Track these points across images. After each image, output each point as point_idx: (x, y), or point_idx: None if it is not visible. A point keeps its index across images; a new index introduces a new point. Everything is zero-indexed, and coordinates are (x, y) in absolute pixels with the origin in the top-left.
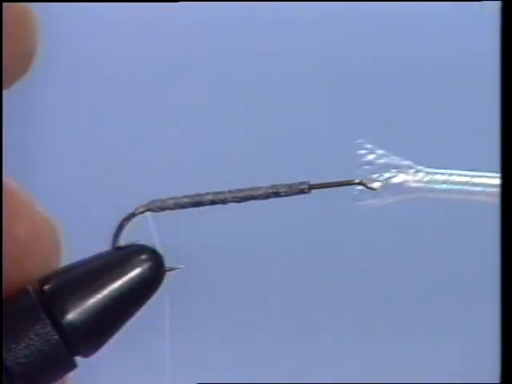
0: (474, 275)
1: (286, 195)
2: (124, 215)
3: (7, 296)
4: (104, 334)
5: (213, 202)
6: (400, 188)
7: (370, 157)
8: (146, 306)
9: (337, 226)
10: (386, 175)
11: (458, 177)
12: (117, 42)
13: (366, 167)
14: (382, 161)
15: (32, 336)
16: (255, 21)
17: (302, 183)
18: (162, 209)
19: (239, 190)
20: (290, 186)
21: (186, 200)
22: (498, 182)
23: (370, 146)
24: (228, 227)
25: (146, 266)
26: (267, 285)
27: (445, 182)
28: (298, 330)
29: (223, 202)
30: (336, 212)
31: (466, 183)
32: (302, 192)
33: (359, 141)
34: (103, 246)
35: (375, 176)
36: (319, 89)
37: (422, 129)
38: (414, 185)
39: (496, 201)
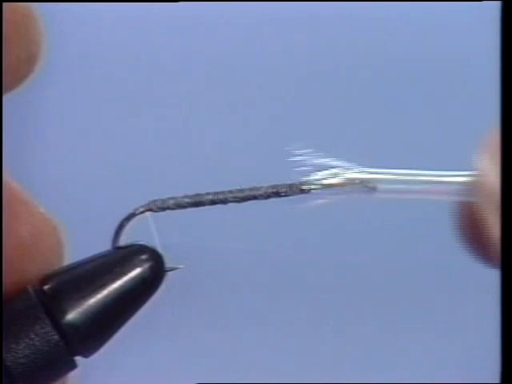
0: (475, 274)
1: (286, 195)
2: (124, 215)
3: (7, 296)
4: (104, 334)
5: (213, 202)
6: (340, 189)
7: (310, 159)
8: (145, 306)
9: (337, 226)
10: (327, 176)
11: (401, 176)
12: (116, 43)
13: (305, 169)
14: (321, 162)
15: (32, 336)
16: (254, 21)
17: (302, 183)
18: (162, 209)
19: (239, 190)
20: (290, 185)
21: (186, 200)
22: (443, 179)
23: (310, 149)
24: (228, 227)
25: (146, 265)
26: (267, 285)
27: (387, 181)
28: (299, 329)
29: (223, 201)
30: (336, 212)
31: (408, 182)
32: (302, 192)
33: (299, 143)
34: (103, 246)
35: (316, 177)
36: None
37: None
38: (355, 185)
39: (441, 198)
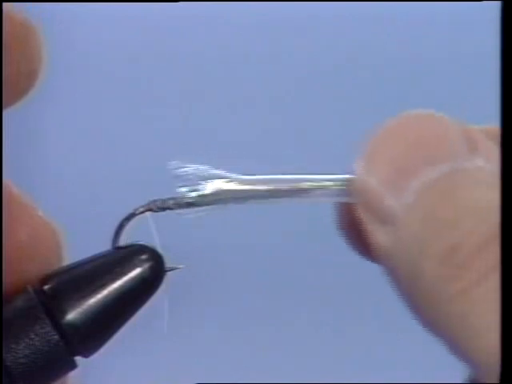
0: None
1: (167, 209)
2: (124, 215)
3: (7, 296)
4: (104, 334)
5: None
6: (215, 197)
7: (186, 169)
8: (145, 306)
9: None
10: (201, 186)
11: (282, 182)
12: (117, 43)
13: (183, 178)
14: (197, 172)
15: (32, 336)
16: (254, 21)
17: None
18: (162, 209)
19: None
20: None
21: (185, 200)
22: (324, 183)
23: (184, 160)
24: (228, 227)
25: (146, 265)
26: (267, 284)
27: (260, 188)
28: (299, 329)
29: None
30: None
31: (283, 188)
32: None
33: (175, 154)
34: (103, 246)
35: (190, 188)
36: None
37: None
38: (230, 194)
39: (323, 201)
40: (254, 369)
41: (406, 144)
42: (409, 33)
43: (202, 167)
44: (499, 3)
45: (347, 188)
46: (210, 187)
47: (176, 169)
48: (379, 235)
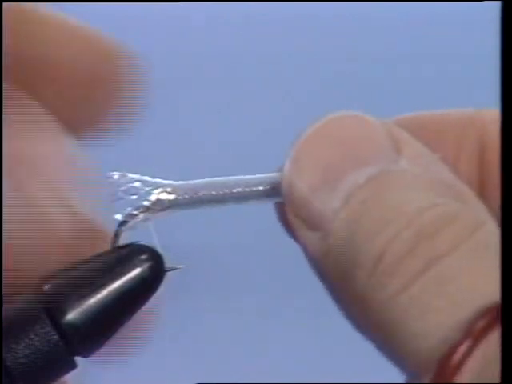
0: None
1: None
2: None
3: (7, 296)
4: (104, 333)
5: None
6: (156, 206)
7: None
8: (145, 306)
9: None
10: (140, 197)
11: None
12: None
13: (124, 189)
14: (136, 184)
15: (32, 336)
16: (254, 21)
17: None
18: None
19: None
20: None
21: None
22: (257, 184)
23: (121, 172)
24: (228, 227)
25: (145, 265)
26: (267, 285)
27: (198, 193)
28: (299, 329)
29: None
30: None
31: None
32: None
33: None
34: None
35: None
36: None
37: None
38: (168, 202)
39: (259, 202)
40: (255, 369)
41: (332, 146)
42: (409, 33)
43: (143, 178)
44: (499, 3)
45: (277, 189)
46: (152, 197)
47: (117, 180)
48: (308, 240)
